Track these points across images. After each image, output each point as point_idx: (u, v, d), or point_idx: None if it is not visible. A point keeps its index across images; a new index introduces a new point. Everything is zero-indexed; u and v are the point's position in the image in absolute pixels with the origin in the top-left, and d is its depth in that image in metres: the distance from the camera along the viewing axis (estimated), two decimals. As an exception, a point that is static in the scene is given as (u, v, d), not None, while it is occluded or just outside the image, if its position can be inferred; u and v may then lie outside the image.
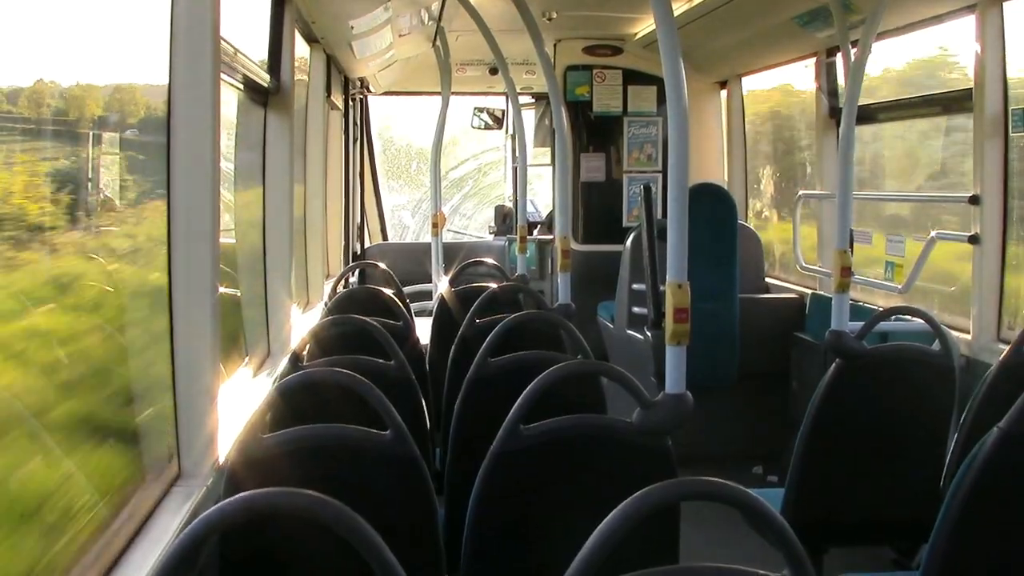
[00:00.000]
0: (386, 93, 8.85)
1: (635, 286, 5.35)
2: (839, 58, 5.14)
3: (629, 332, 5.52)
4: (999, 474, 2.11)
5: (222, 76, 2.48)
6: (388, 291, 4.09)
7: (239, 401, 3.18)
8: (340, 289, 4.96)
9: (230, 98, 3.43)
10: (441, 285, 5.02)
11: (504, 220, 8.40)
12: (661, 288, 3.04)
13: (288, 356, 3.35)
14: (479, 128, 8.82)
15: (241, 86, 3.41)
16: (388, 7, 4.52)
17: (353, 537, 1.37)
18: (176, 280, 2.31)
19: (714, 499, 1.40)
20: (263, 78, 3.62)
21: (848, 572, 2.83)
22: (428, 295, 6.29)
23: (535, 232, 7.97)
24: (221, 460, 2.40)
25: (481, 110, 8.63)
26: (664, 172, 6.60)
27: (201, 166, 2.29)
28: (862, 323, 3.35)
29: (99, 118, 2.11)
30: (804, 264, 5.42)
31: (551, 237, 7.17)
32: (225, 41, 2.64)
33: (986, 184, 3.82)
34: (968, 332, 3.94)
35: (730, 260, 5.11)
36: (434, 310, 4.60)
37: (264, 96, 3.82)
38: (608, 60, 7.04)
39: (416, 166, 14.53)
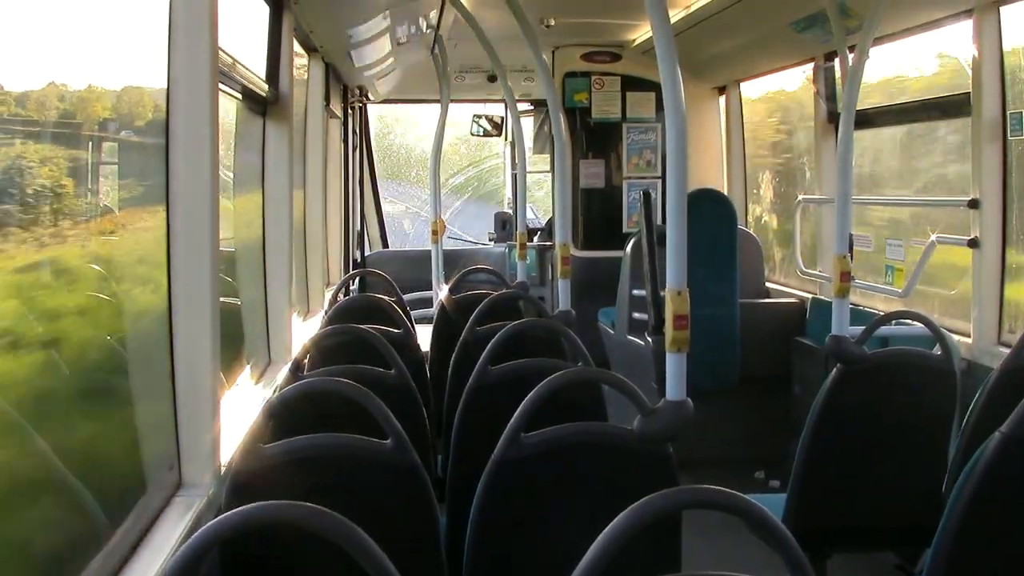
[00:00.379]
0: (385, 101, 8.86)
1: (635, 292, 5.36)
2: (837, 63, 5.15)
3: (630, 338, 5.52)
4: (1001, 478, 2.10)
5: (221, 86, 2.49)
6: (388, 299, 4.09)
7: (240, 410, 3.18)
8: (340, 297, 4.96)
9: (228, 108, 3.43)
10: (441, 293, 5.03)
11: (504, 227, 8.40)
12: (662, 294, 3.04)
13: (288, 365, 3.35)
14: (478, 135, 8.82)
15: (240, 96, 3.42)
16: (386, 16, 4.53)
17: (352, 548, 1.37)
18: (176, 289, 2.31)
19: (714, 507, 1.40)
20: (262, 88, 3.63)
21: None
22: (429, 302, 6.28)
23: (535, 239, 7.97)
24: (222, 469, 2.40)
25: (480, 117, 8.63)
26: (664, 178, 6.60)
27: (200, 175, 2.29)
28: (863, 328, 3.35)
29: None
30: (804, 269, 5.42)
31: (551, 244, 7.17)
32: (223, 52, 2.65)
33: (985, 188, 3.83)
34: (969, 336, 3.94)
35: (730, 265, 5.11)
36: (434, 318, 4.60)
37: (263, 106, 3.83)
38: (607, 67, 7.06)
39: (415, 173, 14.54)
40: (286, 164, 3.96)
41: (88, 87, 2.05)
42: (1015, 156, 3.81)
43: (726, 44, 5.80)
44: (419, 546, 2.17)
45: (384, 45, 5.28)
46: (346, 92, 6.96)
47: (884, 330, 3.95)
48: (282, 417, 2.43)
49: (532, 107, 8.51)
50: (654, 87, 6.78)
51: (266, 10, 3.82)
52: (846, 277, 3.71)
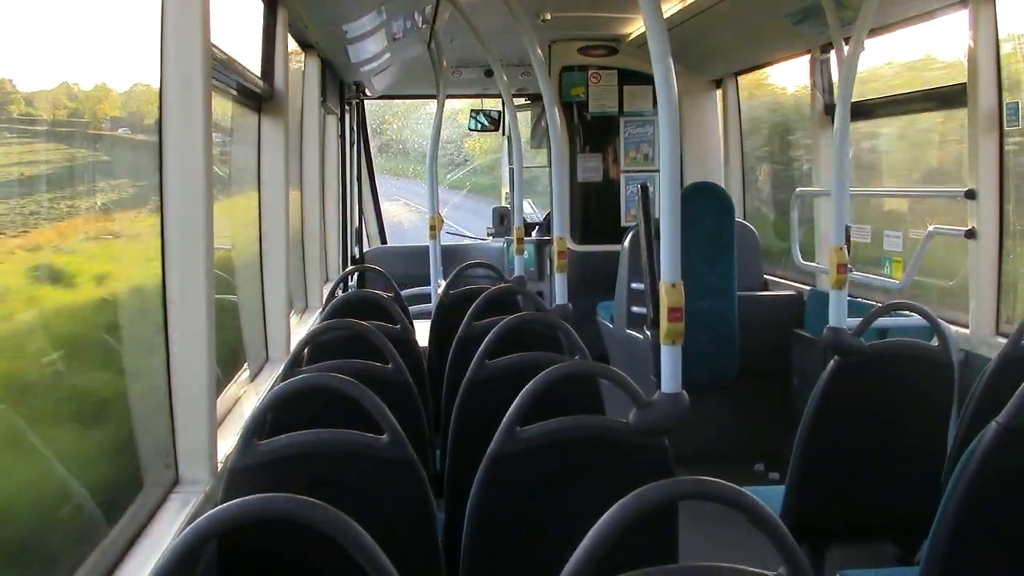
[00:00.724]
0: (382, 97, 8.84)
1: (634, 285, 5.36)
2: (833, 55, 5.14)
3: (628, 332, 5.52)
4: (998, 468, 2.11)
5: (215, 83, 2.49)
6: (386, 295, 4.09)
7: (237, 406, 3.18)
8: (338, 293, 4.96)
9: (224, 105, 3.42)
10: (439, 288, 5.02)
11: (502, 221, 8.39)
12: (660, 287, 3.04)
13: (286, 361, 3.35)
14: (476, 130, 8.81)
15: (235, 92, 3.41)
16: (382, 11, 4.52)
17: (347, 541, 1.38)
18: (171, 287, 2.32)
19: (707, 498, 1.40)
20: (257, 84, 3.62)
21: (851, 568, 2.83)
22: (427, 298, 6.28)
23: (533, 233, 7.97)
24: (219, 466, 2.40)
25: (478, 112, 8.63)
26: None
27: (194, 173, 2.29)
28: (860, 319, 3.35)
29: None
30: (802, 261, 5.42)
31: (549, 238, 7.17)
32: (217, 48, 2.64)
33: (982, 178, 3.82)
34: (966, 327, 3.94)
35: (728, 258, 5.11)
36: (432, 313, 4.59)
37: (258, 102, 3.82)
38: (603, 60, 7.05)
39: (413, 169, 14.54)
40: (282, 161, 3.95)
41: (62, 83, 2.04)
42: (1012, 146, 3.80)
43: (722, 37, 5.79)
44: (417, 541, 2.17)
45: (380, 41, 5.27)
46: (342, 88, 6.95)
47: (882, 321, 3.94)
48: (279, 413, 2.44)
49: (529, 101, 8.51)
50: (651, 80, 6.74)
51: (260, 7, 3.81)
52: (843, 268, 3.70)
